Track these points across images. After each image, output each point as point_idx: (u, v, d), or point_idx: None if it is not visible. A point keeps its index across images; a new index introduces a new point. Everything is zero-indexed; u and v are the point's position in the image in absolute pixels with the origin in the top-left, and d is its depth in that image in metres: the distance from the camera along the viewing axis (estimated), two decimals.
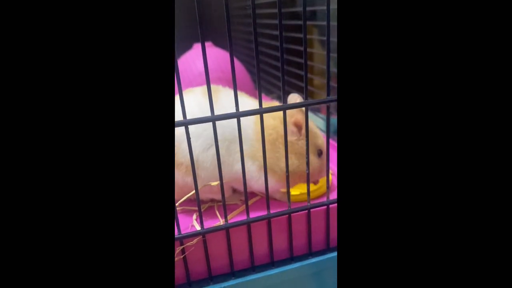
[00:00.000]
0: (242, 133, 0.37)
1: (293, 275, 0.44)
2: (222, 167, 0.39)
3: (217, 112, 0.36)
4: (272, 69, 0.91)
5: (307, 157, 0.41)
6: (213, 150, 0.42)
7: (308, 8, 0.37)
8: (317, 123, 0.75)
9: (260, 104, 0.38)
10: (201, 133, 0.43)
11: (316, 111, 0.78)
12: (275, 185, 0.45)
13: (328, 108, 0.40)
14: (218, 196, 0.46)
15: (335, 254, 0.46)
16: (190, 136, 0.37)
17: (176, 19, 0.29)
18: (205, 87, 0.48)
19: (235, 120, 0.37)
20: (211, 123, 0.37)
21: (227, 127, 0.43)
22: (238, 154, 0.41)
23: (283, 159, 0.41)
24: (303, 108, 0.41)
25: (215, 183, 0.43)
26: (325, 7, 0.36)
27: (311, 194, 0.44)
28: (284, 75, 0.37)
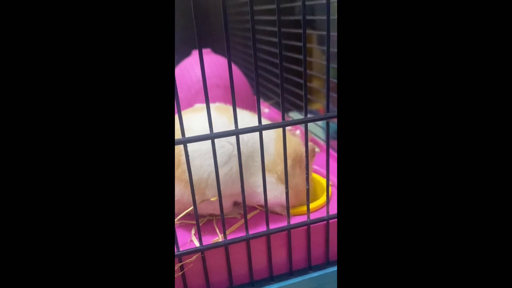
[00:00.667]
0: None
1: None
2: (233, 182, 0.43)
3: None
4: (269, 75, 0.90)
5: (307, 173, 0.41)
6: (226, 168, 0.42)
7: (307, 17, 0.37)
8: (315, 131, 0.75)
9: (260, 121, 0.38)
10: (216, 151, 0.42)
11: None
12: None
13: (327, 124, 0.40)
14: (218, 211, 0.46)
15: (335, 268, 0.45)
16: (204, 153, 0.41)
17: (175, 25, 0.29)
18: (216, 104, 0.49)
19: (255, 135, 0.39)
20: (228, 139, 0.41)
21: (247, 142, 0.44)
22: (254, 168, 0.44)
23: (298, 178, 0.46)
24: (312, 148, 0.47)
25: (214, 198, 0.42)
26: (324, 17, 0.36)
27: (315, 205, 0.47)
28: (283, 93, 0.37)
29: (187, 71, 0.79)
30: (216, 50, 0.83)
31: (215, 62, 0.79)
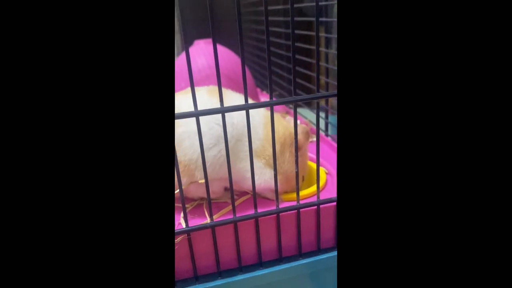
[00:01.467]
0: (252, 132, 0.40)
1: (282, 277, 0.43)
2: (222, 165, 0.43)
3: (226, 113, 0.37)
4: (273, 66, 0.90)
5: (296, 155, 0.40)
6: (214, 150, 0.42)
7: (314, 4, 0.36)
8: (311, 118, 0.74)
9: (246, 100, 0.37)
10: (206, 132, 0.42)
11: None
12: (278, 184, 0.45)
13: (317, 104, 0.39)
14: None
15: (326, 255, 0.44)
16: (194, 134, 0.40)
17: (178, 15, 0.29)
18: (209, 87, 0.48)
19: (244, 118, 0.38)
20: (217, 121, 0.41)
21: (236, 125, 0.43)
22: (243, 153, 0.43)
23: (288, 163, 0.45)
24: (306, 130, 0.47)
25: (202, 180, 0.42)
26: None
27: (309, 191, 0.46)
28: (270, 69, 0.36)
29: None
30: (218, 39, 0.82)
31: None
